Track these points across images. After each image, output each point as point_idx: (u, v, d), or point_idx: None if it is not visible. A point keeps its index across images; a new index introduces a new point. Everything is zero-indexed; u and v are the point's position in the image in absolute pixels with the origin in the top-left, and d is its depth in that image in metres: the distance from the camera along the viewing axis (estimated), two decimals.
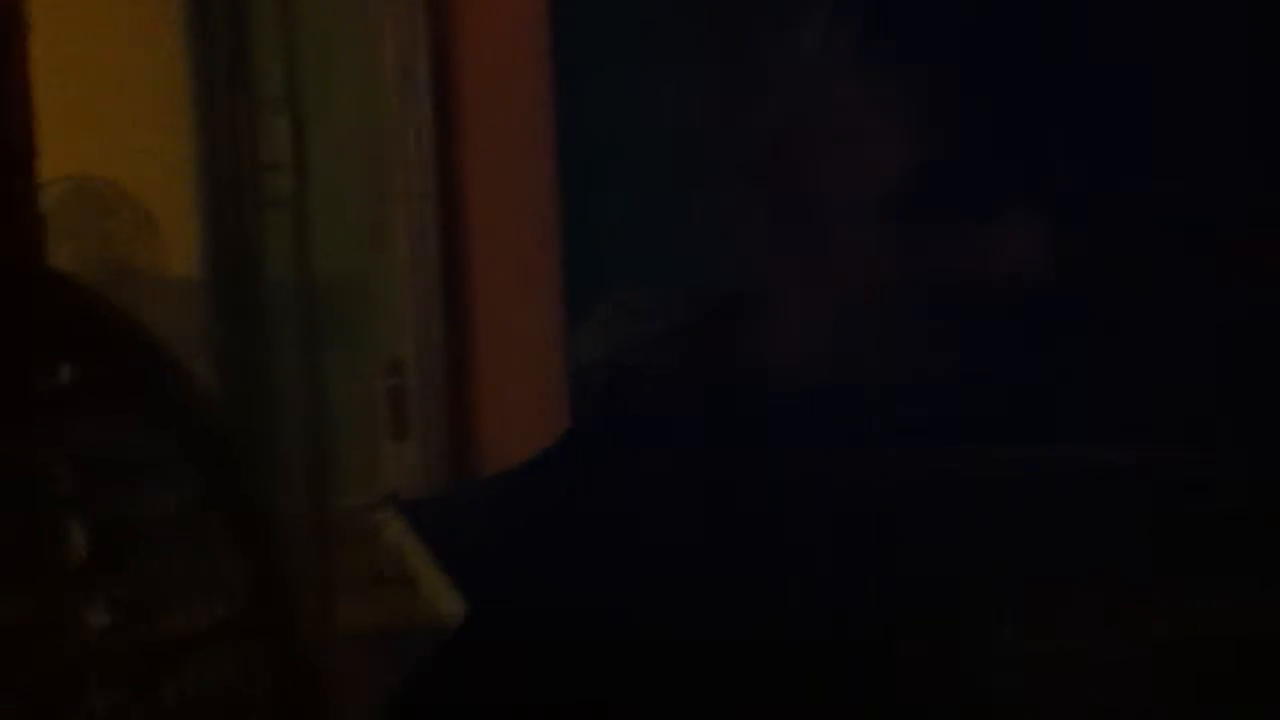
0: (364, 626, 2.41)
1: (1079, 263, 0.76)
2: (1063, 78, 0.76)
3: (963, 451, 0.75)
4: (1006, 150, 0.70)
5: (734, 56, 0.84)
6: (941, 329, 0.73)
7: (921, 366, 0.74)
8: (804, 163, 0.77)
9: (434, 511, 2.42)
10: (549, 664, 0.78)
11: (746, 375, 0.79)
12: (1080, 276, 0.74)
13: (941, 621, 0.76)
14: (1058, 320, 0.75)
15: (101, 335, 1.34)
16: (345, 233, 3.07)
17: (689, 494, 0.76)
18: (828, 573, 0.73)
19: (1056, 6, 0.75)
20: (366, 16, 2.84)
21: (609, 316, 0.94)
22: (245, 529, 1.35)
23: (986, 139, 0.69)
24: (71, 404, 1.27)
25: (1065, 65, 0.76)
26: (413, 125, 2.74)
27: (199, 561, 1.28)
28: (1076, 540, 0.79)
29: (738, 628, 0.76)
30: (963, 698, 0.76)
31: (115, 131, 3.08)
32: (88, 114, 2.97)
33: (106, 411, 1.28)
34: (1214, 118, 0.84)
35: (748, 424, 0.77)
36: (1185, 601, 0.79)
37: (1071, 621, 0.77)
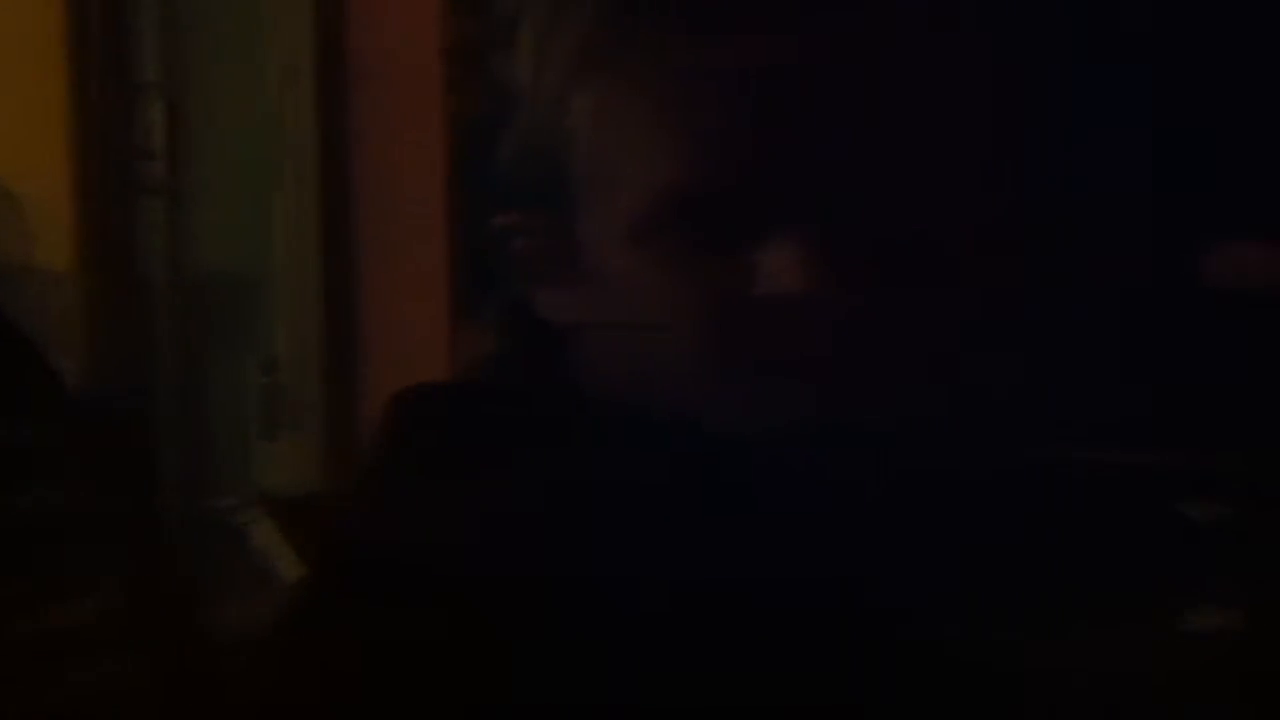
0: (233, 627, 2.35)
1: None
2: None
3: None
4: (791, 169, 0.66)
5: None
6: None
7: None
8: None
9: (302, 512, 2.37)
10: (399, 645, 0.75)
11: (576, 394, 0.77)
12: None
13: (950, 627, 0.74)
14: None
15: None
16: (225, 224, 2.98)
17: (535, 495, 0.74)
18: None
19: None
20: (253, 5, 2.77)
21: (490, 319, 0.91)
22: (127, 527, 1.30)
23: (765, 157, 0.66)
24: None
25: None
26: (296, 117, 2.67)
27: (82, 556, 1.23)
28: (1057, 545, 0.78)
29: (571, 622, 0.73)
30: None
31: None
32: None
33: None
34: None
35: (581, 435, 0.75)
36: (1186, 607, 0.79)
37: (1074, 628, 0.76)
